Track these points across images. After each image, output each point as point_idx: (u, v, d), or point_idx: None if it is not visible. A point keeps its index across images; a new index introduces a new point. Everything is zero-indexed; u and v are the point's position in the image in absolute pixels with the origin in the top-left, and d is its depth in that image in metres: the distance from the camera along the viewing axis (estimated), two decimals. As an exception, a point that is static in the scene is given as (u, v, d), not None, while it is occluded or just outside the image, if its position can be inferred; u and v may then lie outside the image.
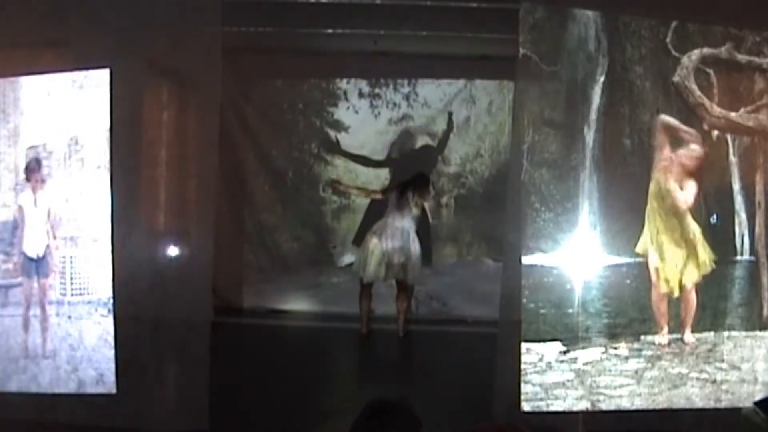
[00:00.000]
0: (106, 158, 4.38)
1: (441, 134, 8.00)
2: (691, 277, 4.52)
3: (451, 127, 7.97)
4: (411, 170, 7.20)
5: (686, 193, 4.49)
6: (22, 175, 4.53)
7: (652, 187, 4.50)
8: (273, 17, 6.37)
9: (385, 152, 8.00)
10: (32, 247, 4.50)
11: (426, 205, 7.21)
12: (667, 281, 4.51)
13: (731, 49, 4.55)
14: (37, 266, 4.51)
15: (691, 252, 4.52)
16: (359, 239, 7.36)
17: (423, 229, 7.23)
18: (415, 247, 6.84)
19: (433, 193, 7.29)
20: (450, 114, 7.95)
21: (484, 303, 7.05)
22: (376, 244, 6.77)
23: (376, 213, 7.18)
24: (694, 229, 4.52)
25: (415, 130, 7.99)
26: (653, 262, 4.50)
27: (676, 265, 4.51)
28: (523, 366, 4.34)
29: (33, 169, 4.49)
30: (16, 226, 4.53)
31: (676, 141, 4.51)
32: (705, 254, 4.53)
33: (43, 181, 4.49)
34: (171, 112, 4.91)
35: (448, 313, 7.70)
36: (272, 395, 5.06)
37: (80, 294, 4.45)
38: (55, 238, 4.49)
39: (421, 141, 8.02)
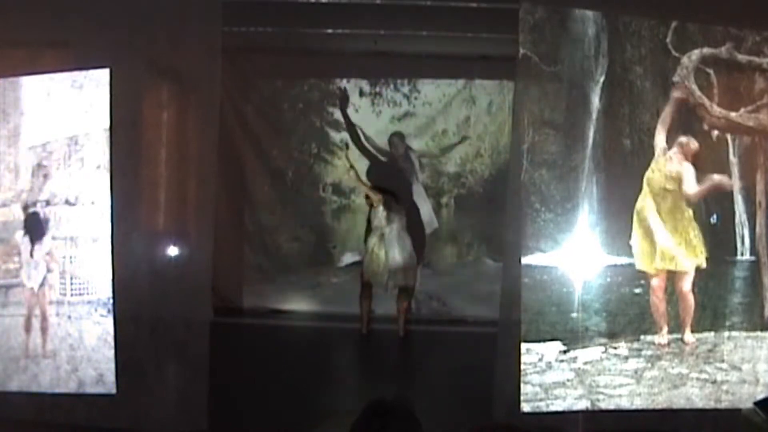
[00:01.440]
0: (106, 158, 4.38)
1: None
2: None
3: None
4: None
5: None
6: (25, 182, 4.55)
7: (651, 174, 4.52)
8: (273, 17, 6.37)
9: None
10: (31, 281, 4.53)
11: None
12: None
13: (731, 49, 4.55)
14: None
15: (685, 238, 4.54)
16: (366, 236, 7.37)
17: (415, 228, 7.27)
18: (411, 250, 6.94)
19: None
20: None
21: (484, 303, 7.07)
22: (379, 254, 6.80)
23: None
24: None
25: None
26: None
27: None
28: (522, 366, 4.34)
29: (32, 228, 4.51)
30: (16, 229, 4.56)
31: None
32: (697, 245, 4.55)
33: (42, 235, 4.49)
34: (171, 112, 4.92)
35: (448, 313, 7.70)
36: (272, 395, 5.06)
37: (80, 294, 4.46)
38: (50, 271, 4.51)
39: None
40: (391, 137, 7.90)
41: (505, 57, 5.23)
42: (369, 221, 7.18)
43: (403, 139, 7.91)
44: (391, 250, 6.83)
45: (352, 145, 7.87)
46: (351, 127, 7.90)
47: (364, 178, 7.50)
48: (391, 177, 7.70)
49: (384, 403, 2.14)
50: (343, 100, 7.18)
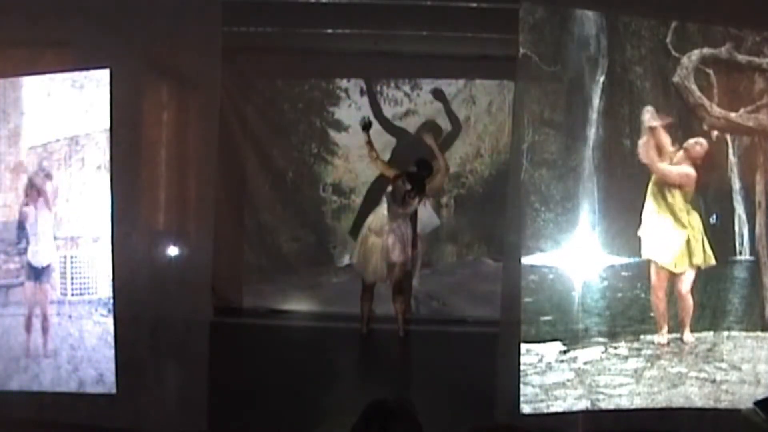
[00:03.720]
0: (106, 158, 4.38)
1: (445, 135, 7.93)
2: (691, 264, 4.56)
3: (458, 129, 7.91)
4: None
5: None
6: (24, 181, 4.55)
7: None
8: (273, 17, 6.37)
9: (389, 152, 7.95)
10: (37, 259, 4.52)
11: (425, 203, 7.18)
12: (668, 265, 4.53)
13: (731, 49, 4.55)
14: (39, 271, 4.53)
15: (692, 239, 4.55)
16: (356, 231, 7.33)
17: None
18: (408, 247, 6.89)
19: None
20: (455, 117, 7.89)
21: (484, 303, 7.07)
22: (375, 242, 6.78)
23: (372, 203, 7.18)
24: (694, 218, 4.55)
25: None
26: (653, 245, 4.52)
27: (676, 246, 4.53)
28: (522, 367, 4.34)
29: (35, 184, 4.50)
30: (17, 228, 4.55)
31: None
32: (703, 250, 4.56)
33: (45, 196, 4.50)
34: (171, 112, 4.92)
35: (448, 313, 7.69)
36: (272, 395, 5.06)
37: (80, 294, 4.46)
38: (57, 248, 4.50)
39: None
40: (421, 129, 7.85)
41: (505, 57, 5.23)
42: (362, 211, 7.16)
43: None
44: (389, 238, 6.77)
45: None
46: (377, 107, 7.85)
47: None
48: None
49: (384, 404, 2.14)
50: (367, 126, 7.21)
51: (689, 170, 4.54)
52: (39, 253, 4.51)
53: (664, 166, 4.52)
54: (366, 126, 6.81)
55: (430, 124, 7.81)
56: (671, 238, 4.53)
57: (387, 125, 7.85)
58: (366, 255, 6.83)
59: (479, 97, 7.92)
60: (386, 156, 7.45)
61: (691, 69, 4.51)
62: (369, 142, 6.78)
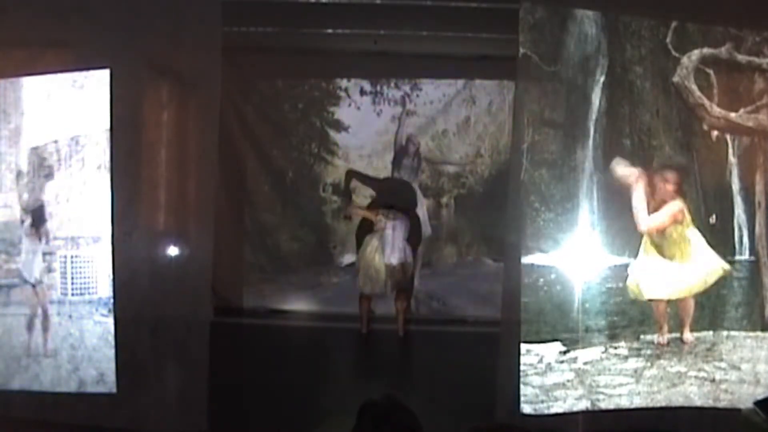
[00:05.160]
0: (106, 158, 4.39)
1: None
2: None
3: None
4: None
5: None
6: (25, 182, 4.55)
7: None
8: (273, 17, 6.38)
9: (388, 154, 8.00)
10: (31, 274, 4.54)
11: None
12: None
13: (731, 49, 4.55)
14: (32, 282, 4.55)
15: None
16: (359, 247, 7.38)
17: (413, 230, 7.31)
18: (408, 252, 6.98)
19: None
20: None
21: (484, 303, 7.09)
22: (377, 259, 6.82)
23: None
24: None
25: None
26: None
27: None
28: (523, 368, 4.34)
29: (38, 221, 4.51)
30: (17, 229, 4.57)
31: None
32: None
33: (46, 232, 4.51)
34: (171, 112, 4.91)
35: (448, 313, 7.71)
36: (272, 395, 5.07)
37: (81, 294, 4.46)
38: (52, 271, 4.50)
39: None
40: (409, 139, 7.94)
41: (505, 57, 5.24)
42: (360, 227, 7.24)
43: (417, 145, 7.93)
44: (388, 252, 6.84)
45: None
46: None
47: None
48: (394, 187, 7.72)
49: (385, 405, 2.14)
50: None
51: (676, 205, 4.52)
52: (29, 268, 4.53)
53: (655, 219, 4.49)
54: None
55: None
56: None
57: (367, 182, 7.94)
58: (371, 273, 6.88)
59: (479, 97, 7.94)
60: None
61: (691, 69, 4.51)
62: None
